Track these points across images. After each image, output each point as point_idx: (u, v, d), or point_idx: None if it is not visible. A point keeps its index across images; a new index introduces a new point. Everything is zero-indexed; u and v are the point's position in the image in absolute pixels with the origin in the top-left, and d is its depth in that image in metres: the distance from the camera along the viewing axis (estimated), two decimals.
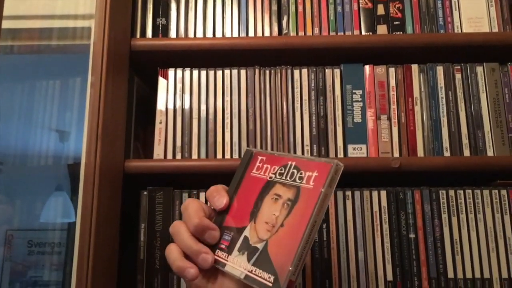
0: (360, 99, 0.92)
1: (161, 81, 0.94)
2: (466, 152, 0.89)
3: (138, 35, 0.95)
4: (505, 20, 0.94)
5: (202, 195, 0.88)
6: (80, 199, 0.88)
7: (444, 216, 0.86)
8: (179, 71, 0.94)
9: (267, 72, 0.94)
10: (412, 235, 0.85)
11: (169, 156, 0.91)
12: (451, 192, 0.87)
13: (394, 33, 0.95)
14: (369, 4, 0.96)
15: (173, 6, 0.97)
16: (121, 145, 0.89)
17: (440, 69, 0.93)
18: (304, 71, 0.94)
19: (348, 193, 0.88)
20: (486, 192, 0.86)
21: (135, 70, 0.95)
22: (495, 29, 0.93)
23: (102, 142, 0.81)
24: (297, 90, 0.93)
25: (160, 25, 0.96)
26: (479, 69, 0.92)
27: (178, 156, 0.91)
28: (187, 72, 0.94)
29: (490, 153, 0.89)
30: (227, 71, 0.94)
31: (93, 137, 0.82)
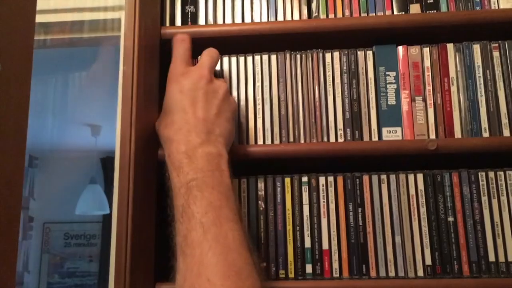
0: (393, 81, 0.90)
1: None
2: (506, 132, 0.86)
3: (167, 24, 0.95)
4: None
5: (235, 181, 0.88)
6: (115, 190, 0.89)
7: (484, 199, 0.83)
8: None
9: (298, 56, 0.93)
10: (450, 219, 0.83)
11: None
12: (491, 174, 0.84)
13: (427, 11, 0.92)
14: None
15: None
16: (154, 133, 0.89)
17: (476, 48, 0.90)
18: (336, 54, 0.92)
19: (383, 177, 0.86)
20: None
21: (165, 59, 0.95)
22: None
23: (136, 132, 0.82)
24: (329, 73, 0.92)
25: (189, 13, 0.96)
26: None
27: None
28: None
29: None
30: (257, 57, 0.93)
31: (127, 127, 0.83)
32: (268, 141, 0.90)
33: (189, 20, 0.96)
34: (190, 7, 0.96)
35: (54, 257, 3.73)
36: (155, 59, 0.91)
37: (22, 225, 3.52)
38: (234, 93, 0.92)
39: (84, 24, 1.18)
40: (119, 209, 0.80)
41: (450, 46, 0.90)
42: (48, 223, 3.82)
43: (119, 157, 0.83)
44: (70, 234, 3.74)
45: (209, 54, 0.84)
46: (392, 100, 0.90)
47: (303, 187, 0.87)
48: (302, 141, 0.90)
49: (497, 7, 0.90)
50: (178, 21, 0.96)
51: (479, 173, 0.84)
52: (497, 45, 0.90)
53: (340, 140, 0.89)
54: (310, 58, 0.92)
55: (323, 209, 0.86)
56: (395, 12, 0.93)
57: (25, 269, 3.55)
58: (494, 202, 0.83)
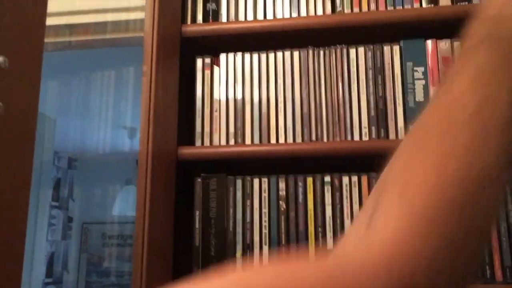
0: (422, 77, 0.86)
1: (215, 68, 0.93)
2: None
3: (189, 21, 0.95)
4: None
5: (256, 181, 0.86)
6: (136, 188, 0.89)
7: None
8: (230, 56, 0.92)
9: (321, 52, 0.90)
10: None
11: (223, 142, 0.89)
12: None
13: (458, 4, 0.87)
14: None
15: None
16: (173, 131, 0.88)
17: None
18: (361, 49, 0.89)
19: None
20: None
21: (187, 56, 0.94)
22: None
23: (155, 129, 0.81)
24: (353, 70, 0.88)
25: (211, 10, 0.95)
26: None
27: (232, 142, 0.89)
28: (239, 56, 0.92)
29: None
30: (279, 54, 0.91)
31: (146, 125, 0.82)
32: (290, 140, 0.88)
33: (210, 17, 0.95)
34: (211, 4, 0.95)
35: (92, 257, 3.81)
36: (175, 55, 0.91)
37: (62, 225, 3.61)
38: (256, 92, 0.90)
39: (118, 24, 1.19)
40: (138, 207, 0.80)
41: None
42: (87, 223, 3.91)
43: (139, 155, 0.83)
44: (108, 235, 3.82)
45: None
46: (420, 97, 0.86)
47: (325, 187, 0.84)
48: (325, 140, 0.87)
49: None
50: (200, 19, 0.95)
51: None
52: None
53: (365, 138, 0.86)
54: (333, 54, 0.89)
55: (346, 210, 0.83)
56: (424, 5, 0.89)
57: (64, 268, 3.64)
58: None
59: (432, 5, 0.89)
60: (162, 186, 0.83)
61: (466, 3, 0.88)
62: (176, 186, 0.88)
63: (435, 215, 0.29)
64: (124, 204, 3.53)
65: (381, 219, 0.32)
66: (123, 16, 1.21)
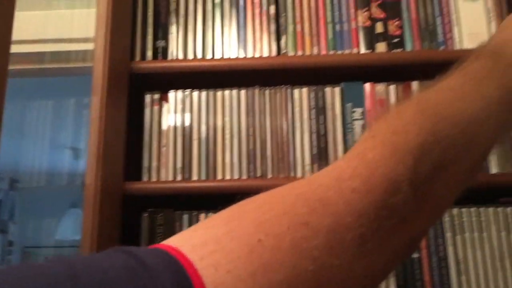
0: (360, 117, 0.92)
1: (163, 104, 0.95)
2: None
3: (138, 58, 0.96)
4: None
5: (202, 216, 0.88)
6: (82, 221, 0.89)
7: (448, 235, 0.84)
8: (179, 92, 0.95)
9: (267, 92, 0.94)
10: (415, 255, 0.84)
11: (170, 177, 0.91)
12: (455, 211, 0.85)
13: (393, 50, 0.94)
14: (368, 22, 0.96)
15: (173, 28, 0.98)
16: (120, 166, 0.89)
17: None
18: (304, 90, 0.94)
19: None
20: (490, 210, 0.85)
21: (135, 93, 0.96)
22: None
23: (103, 164, 0.82)
24: (297, 109, 0.93)
25: (160, 47, 0.97)
26: None
27: (179, 178, 0.91)
28: (187, 93, 0.95)
29: (494, 170, 0.87)
30: (227, 92, 0.94)
31: (94, 158, 0.83)
32: (236, 176, 0.91)
33: (159, 54, 0.97)
34: (161, 42, 0.97)
35: None
36: (124, 91, 0.92)
37: (1, 249, 3.46)
38: (203, 128, 0.93)
39: (67, 54, 1.20)
40: (84, 240, 0.80)
41: (415, 84, 0.92)
42: (28, 247, 3.76)
43: (86, 188, 0.83)
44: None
45: None
46: (358, 136, 0.91)
47: None
48: (270, 176, 0.90)
49: (460, 47, 0.93)
50: (149, 56, 0.97)
51: None
52: None
53: (308, 175, 0.90)
54: (278, 94, 0.94)
55: None
56: (362, 50, 0.95)
57: None
58: (458, 238, 0.84)
59: (370, 50, 0.95)
60: (108, 220, 0.83)
61: (401, 49, 0.94)
62: (123, 221, 0.88)
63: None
64: (68, 227, 3.43)
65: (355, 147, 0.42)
66: (64, 47, 1.22)
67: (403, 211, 0.42)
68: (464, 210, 0.85)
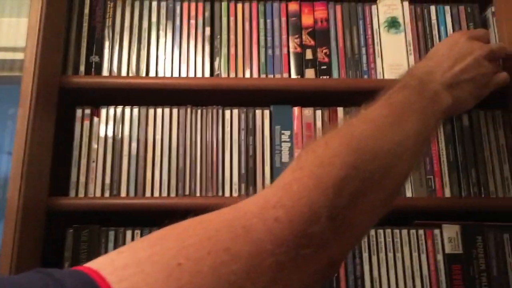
0: (288, 140, 0.96)
1: (94, 119, 0.94)
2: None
3: (70, 72, 0.96)
4: None
5: (129, 233, 0.88)
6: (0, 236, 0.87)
7: (365, 255, 0.89)
8: (111, 108, 0.95)
9: (199, 111, 0.96)
10: None
11: (98, 193, 0.91)
12: (372, 232, 0.90)
13: (321, 77, 0.99)
14: (299, 49, 1.00)
15: (107, 44, 0.99)
16: (46, 180, 0.88)
17: None
18: (235, 111, 0.96)
19: None
20: (405, 232, 0.90)
21: (68, 105, 0.95)
22: None
23: (27, 179, 0.81)
24: (227, 130, 0.95)
25: (94, 63, 0.97)
26: None
27: (107, 194, 0.91)
28: (119, 109, 0.95)
29: (409, 194, 0.93)
30: (159, 110, 0.96)
31: (18, 171, 0.82)
32: (165, 193, 0.92)
33: (93, 69, 0.97)
34: (95, 57, 0.97)
35: None
36: (53, 105, 0.91)
37: None
38: (134, 145, 0.94)
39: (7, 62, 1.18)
40: (3, 256, 0.78)
41: (340, 110, 0.97)
42: None
43: (7, 203, 0.82)
44: None
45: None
46: (285, 158, 0.95)
47: None
48: (198, 195, 0.92)
49: (382, 77, 0.99)
50: (82, 70, 0.97)
51: None
52: None
53: (235, 194, 0.92)
54: (210, 114, 0.96)
55: None
56: (292, 75, 0.99)
57: None
58: (374, 258, 0.89)
59: (300, 76, 0.99)
60: (31, 235, 0.82)
61: (328, 76, 0.99)
62: (48, 236, 0.87)
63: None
64: None
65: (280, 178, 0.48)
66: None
67: (321, 239, 0.45)
68: (380, 231, 0.90)
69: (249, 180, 0.93)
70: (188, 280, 0.39)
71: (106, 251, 0.87)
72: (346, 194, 0.48)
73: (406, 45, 1.01)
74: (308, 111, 0.97)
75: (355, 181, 0.49)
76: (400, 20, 1.02)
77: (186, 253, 0.41)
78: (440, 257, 0.89)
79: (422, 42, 1.01)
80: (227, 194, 0.92)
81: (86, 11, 1.00)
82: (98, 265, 0.38)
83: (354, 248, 0.85)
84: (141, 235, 0.88)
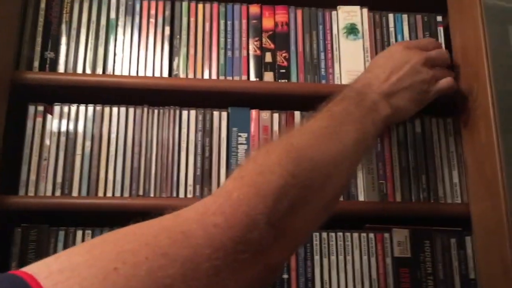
0: (245, 142, 0.96)
1: (47, 116, 0.93)
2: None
3: (24, 68, 0.94)
4: None
5: (79, 233, 0.87)
6: None
7: (317, 258, 0.90)
8: (65, 106, 0.94)
9: (156, 111, 0.95)
10: (285, 276, 0.89)
11: (49, 192, 0.89)
12: (324, 235, 0.91)
13: (279, 80, 0.99)
14: (258, 52, 1.01)
15: (63, 40, 0.97)
16: None
17: None
18: (192, 112, 0.96)
19: None
20: (356, 235, 0.92)
21: (20, 102, 0.93)
22: None
23: None
24: (184, 130, 0.95)
25: (48, 59, 0.95)
26: None
27: (58, 193, 0.89)
28: (74, 107, 0.94)
29: (361, 198, 0.95)
30: (114, 109, 0.95)
31: None
32: (118, 193, 0.91)
33: (47, 66, 0.95)
34: (50, 53, 0.96)
35: None
36: (3, 101, 0.89)
37: None
38: (88, 143, 0.92)
39: None
40: None
41: (297, 114, 0.98)
42: None
43: None
44: None
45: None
46: (241, 160, 0.95)
47: None
48: (152, 195, 0.91)
49: (340, 82, 1.00)
50: (36, 66, 0.95)
51: (313, 234, 0.91)
52: None
53: (189, 196, 0.92)
54: (167, 114, 0.96)
55: None
56: (251, 78, 0.99)
57: None
58: (325, 261, 0.90)
59: (258, 78, 1.00)
60: None
61: (286, 80, 1.00)
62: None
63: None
64: None
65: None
66: None
67: (259, 245, 0.46)
68: (332, 234, 0.91)
69: (204, 182, 0.93)
70: (123, 283, 0.40)
71: (55, 251, 0.86)
72: (285, 202, 0.49)
73: (364, 51, 1.02)
74: (265, 114, 0.98)
75: (294, 189, 0.50)
76: (359, 26, 1.04)
77: (123, 257, 0.42)
78: (389, 260, 0.91)
79: (380, 49, 1.03)
80: (181, 195, 0.92)
81: (43, 5, 0.98)
82: (34, 269, 0.38)
83: (294, 253, 0.86)
84: (92, 236, 0.87)
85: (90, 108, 0.94)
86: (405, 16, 1.05)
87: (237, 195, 0.48)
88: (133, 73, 0.97)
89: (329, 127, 0.61)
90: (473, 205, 0.91)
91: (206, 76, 0.99)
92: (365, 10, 1.05)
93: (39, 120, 0.92)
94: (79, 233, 0.87)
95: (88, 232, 0.88)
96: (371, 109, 0.68)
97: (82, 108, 0.94)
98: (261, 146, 0.62)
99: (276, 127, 0.97)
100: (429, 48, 0.83)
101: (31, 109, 0.92)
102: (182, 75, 0.98)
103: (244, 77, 0.99)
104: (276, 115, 0.98)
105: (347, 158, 0.59)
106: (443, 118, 0.99)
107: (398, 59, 0.78)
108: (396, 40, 1.04)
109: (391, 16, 1.05)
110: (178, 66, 0.99)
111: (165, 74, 0.98)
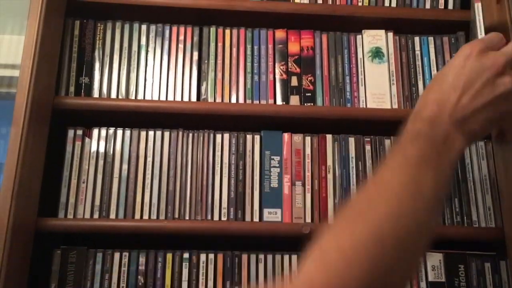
0: (277, 165, 0.97)
1: (86, 140, 0.95)
2: None
3: (63, 93, 0.97)
4: (405, 97, 1.02)
5: (116, 255, 0.89)
6: None
7: None
8: (103, 130, 0.96)
9: (190, 135, 0.97)
10: None
11: (87, 214, 0.91)
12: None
13: (305, 104, 1.01)
14: (284, 76, 1.02)
15: (97, 65, 1.00)
16: (36, 201, 0.88)
17: (351, 140, 0.99)
18: (226, 136, 0.98)
19: (261, 256, 0.91)
20: None
21: (59, 126, 0.95)
22: (396, 106, 1.01)
23: (17, 199, 0.81)
24: (218, 153, 0.97)
25: (83, 84, 0.98)
26: (387, 142, 0.99)
27: (96, 216, 0.91)
28: (111, 131, 0.96)
29: None
30: (150, 132, 0.97)
31: (9, 193, 0.82)
32: (154, 216, 0.92)
33: (82, 91, 0.98)
34: (84, 79, 0.98)
35: None
36: (45, 126, 0.91)
37: None
38: (125, 166, 0.94)
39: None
40: None
41: (329, 137, 0.99)
42: None
43: None
44: None
45: None
46: (275, 183, 0.96)
47: (183, 263, 0.89)
48: (187, 218, 0.93)
49: (364, 105, 1.01)
50: (72, 91, 0.97)
51: None
52: (369, 139, 1.00)
53: (224, 218, 0.93)
54: (201, 138, 0.97)
55: (201, 286, 0.88)
56: (278, 101, 1.01)
57: None
58: None
59: (285, 102, 1.01)
60: (19, 255, 0.82)
61: (312, 104, 1.01)
62: (35, 257, 0.87)
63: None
64: None
65: (303, 269, 0.45)
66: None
67: None
68: None
69: (238, 205, 0.94)
70: None
71: (93, 273, 0.87)
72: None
73: (389, 75, 1.03)
74: (297, 137, 0.99)
75: (381, 275, 0.47)
76: (384, 50, 1.05)
77: None
78: (423, 284, 0.90)
79: (406, 72, 1.04)
80: (216, 218, 0.93)
81: (76, 32, 1.01)
82: None
83: None
84: (129, 258, 0.89)
85: (127, 131, 0.96)
86: (431, 39, 1.06)
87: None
88: (163, 97, 0.99)
89: (409, 184, 0.52)
90: (508, 229, 0.90)
91: (233, 100, 1.00)
92: (390, 34, 1.06)
93: (78, 143, 0.95)
94: (117, 255, 0.89)
95: (125, 254, 0.89)
96: (445, 145, 0.58)
97: (119, 131, 0.96)
98: (339, 215, 0.52)
99: (308, 150, 0.98)
100: (499, 45, 0.65)
101: (71, 132, 0.95)
102: (210, 99, 1.00)
103: (271, 101, 1.01)
104: (308, 138, 0.99)
105: (429, 212, 0.53)
106: (475, 142, 0.99)
107: (469, 73, 0.62)
108: (422, 63, 1.05)
109: (417, 39, 1.06)
110: (206, 90, 1.00)
111: (193, 98, 1.00)
